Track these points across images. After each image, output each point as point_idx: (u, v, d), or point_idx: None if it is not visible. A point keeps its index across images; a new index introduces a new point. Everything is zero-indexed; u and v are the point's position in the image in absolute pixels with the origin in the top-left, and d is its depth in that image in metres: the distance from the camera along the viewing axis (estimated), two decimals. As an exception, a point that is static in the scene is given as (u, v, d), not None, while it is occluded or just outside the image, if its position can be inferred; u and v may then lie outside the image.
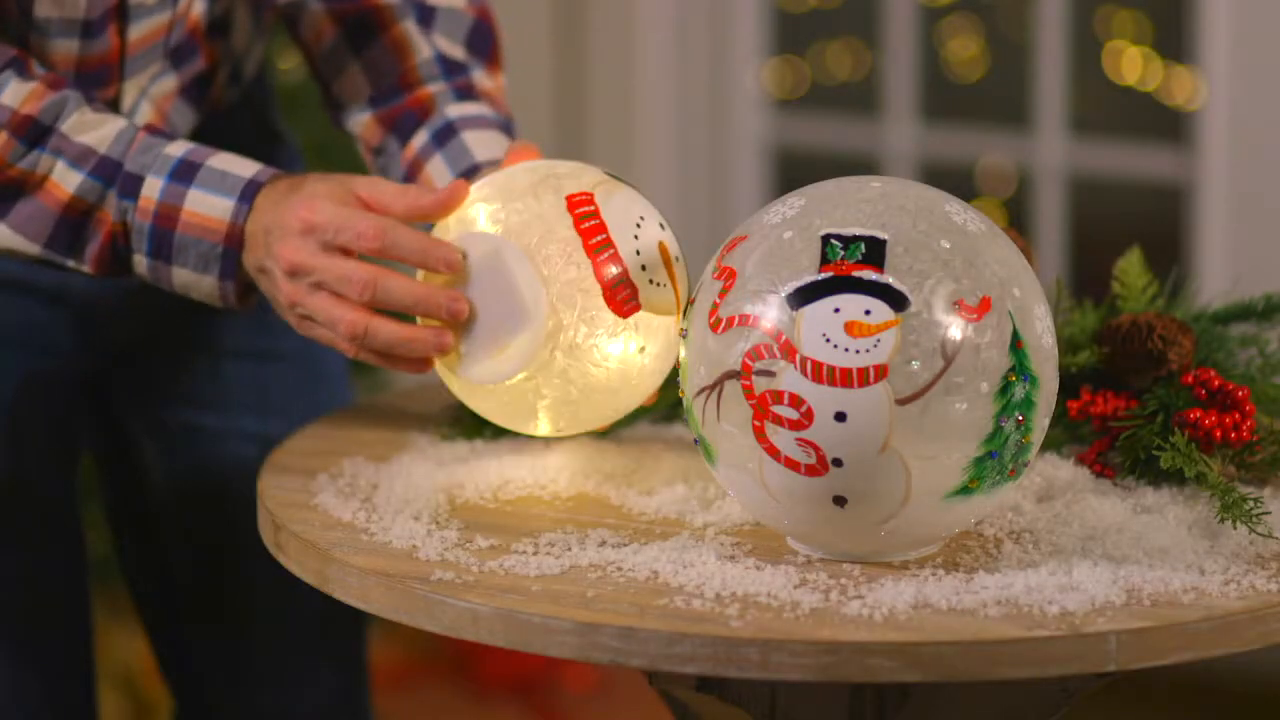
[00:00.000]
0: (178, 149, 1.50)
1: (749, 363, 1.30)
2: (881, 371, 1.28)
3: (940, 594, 1.28)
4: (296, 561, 1.41)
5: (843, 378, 1.28)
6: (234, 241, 1.48)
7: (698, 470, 1.50)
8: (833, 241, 1.31)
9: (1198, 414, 1.46)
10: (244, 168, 1.50)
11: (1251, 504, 1.37)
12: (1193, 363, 1.53)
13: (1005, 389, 1.30)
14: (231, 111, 1.75)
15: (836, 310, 1.29)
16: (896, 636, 1.23)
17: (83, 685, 1.76)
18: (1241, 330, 1.61)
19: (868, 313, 1.29)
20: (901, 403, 1.28)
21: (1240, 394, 1.46)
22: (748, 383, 1.30)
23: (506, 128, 1.65)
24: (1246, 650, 1.28)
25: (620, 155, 3.64)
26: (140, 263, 1.51)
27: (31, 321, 1.66)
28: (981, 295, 1.30)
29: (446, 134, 1.62)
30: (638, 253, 1.43)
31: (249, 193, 1.48)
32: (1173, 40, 3.51)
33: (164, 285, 1.51)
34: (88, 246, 1.51)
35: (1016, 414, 1.30)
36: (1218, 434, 1.45)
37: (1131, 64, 3.61)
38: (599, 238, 1.42)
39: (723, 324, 1.32)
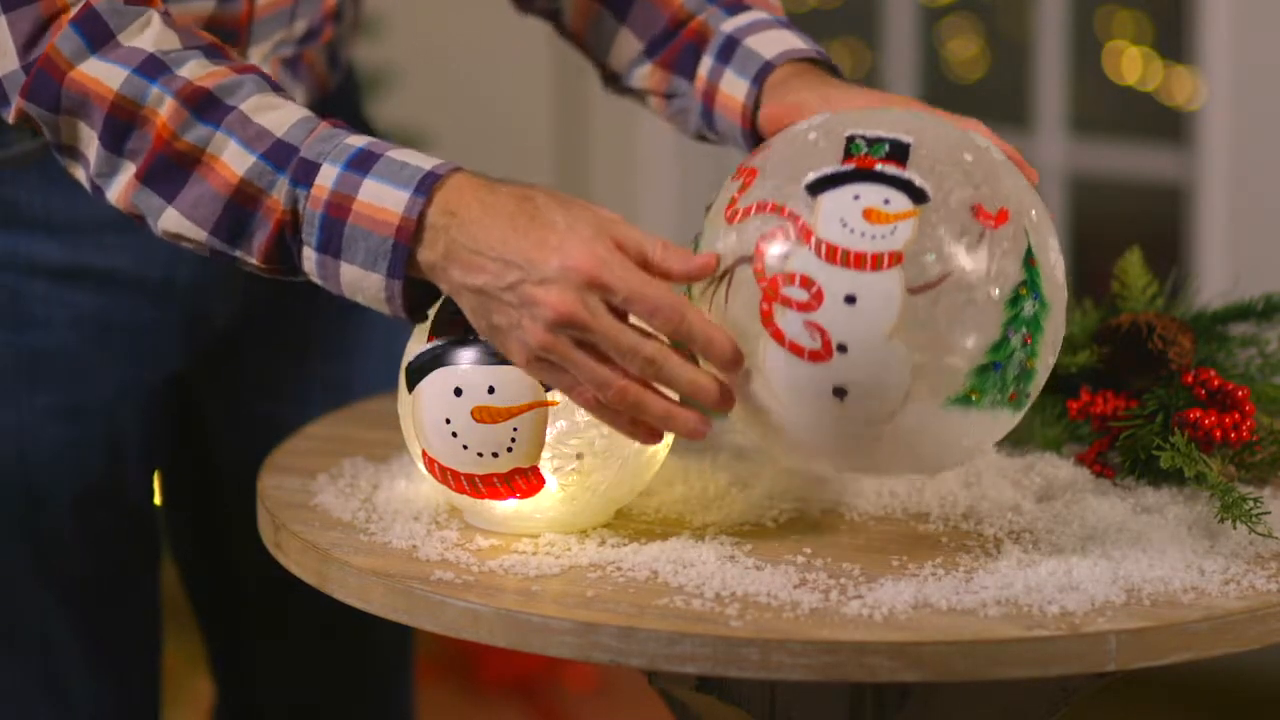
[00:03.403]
0: (359, 140, 1.41)
1: (762, 246, 1.30)
2: (896, 258, 1.28)
3: (940, 594, 1.28)
4: (296, 561, 1.41)
5: (856, 261, 1.28)
6: (405, 236, 1.37)
7: (697, 470, 1.50)
8: (857, 139, 1.31)
9: (1198, 414, 1.46)
10: (424, 161, 1.40)
11: (1251, 504, 1.37)
12: (1193, 363, 1.53)
13: (1016, 300, 1.30)
14: (335, 96, 1.74)
15: (856, 197, 1.29)
16: (896, 636, 1.23)
17: (150, 691, 1.76)
18: (1241, 330, 1.61)
19: (887, 202, 1.29)
20: (913, 291, 1.28)
21: (1240, 394, 1.47)
22: (759, 266, 1.30)
23: (789, 25, 1.58)
24: (1246, 650, 1.28)
25: (622, 157, 3.64)
26: (309, 258, 1.41)
27: (139, 323, 1.65)
28: (1000, 206, 1.30)
29: (729, 48, 1.56)
30: None
31: (425, 185, 1.37)
32: (1173, 40, 3.51)
33: (332, 286, 1.41)
34: (255, 236, 1.42)
35: (1024, 330, 1.30)
36: (1217, 434, 1.46)
37: (1131, 64, 3.61)
38: None
39: (739, 214, 1.32)
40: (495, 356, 1.37)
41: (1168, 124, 3.51)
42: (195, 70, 1.42)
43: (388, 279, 1.38)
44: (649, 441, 1.36)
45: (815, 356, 1.29)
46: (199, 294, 1.69)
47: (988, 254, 1.29)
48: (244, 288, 1.71)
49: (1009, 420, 1.35)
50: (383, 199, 1.37)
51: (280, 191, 1.40)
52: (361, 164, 1.39)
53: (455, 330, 1.38)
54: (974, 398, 1.30)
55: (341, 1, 1.69)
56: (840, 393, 1.29)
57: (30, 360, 1.61)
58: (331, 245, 1.39)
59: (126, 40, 1.43)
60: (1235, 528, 1.37)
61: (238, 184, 1.40)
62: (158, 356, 1.69)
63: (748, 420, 1.36)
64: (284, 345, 1.79)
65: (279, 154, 1.40)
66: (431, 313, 1.40)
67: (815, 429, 1.32)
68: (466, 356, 1.37)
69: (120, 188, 1.44)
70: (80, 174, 1.47)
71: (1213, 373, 1.48)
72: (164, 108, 1.41)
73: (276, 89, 1.44)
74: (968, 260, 1.29)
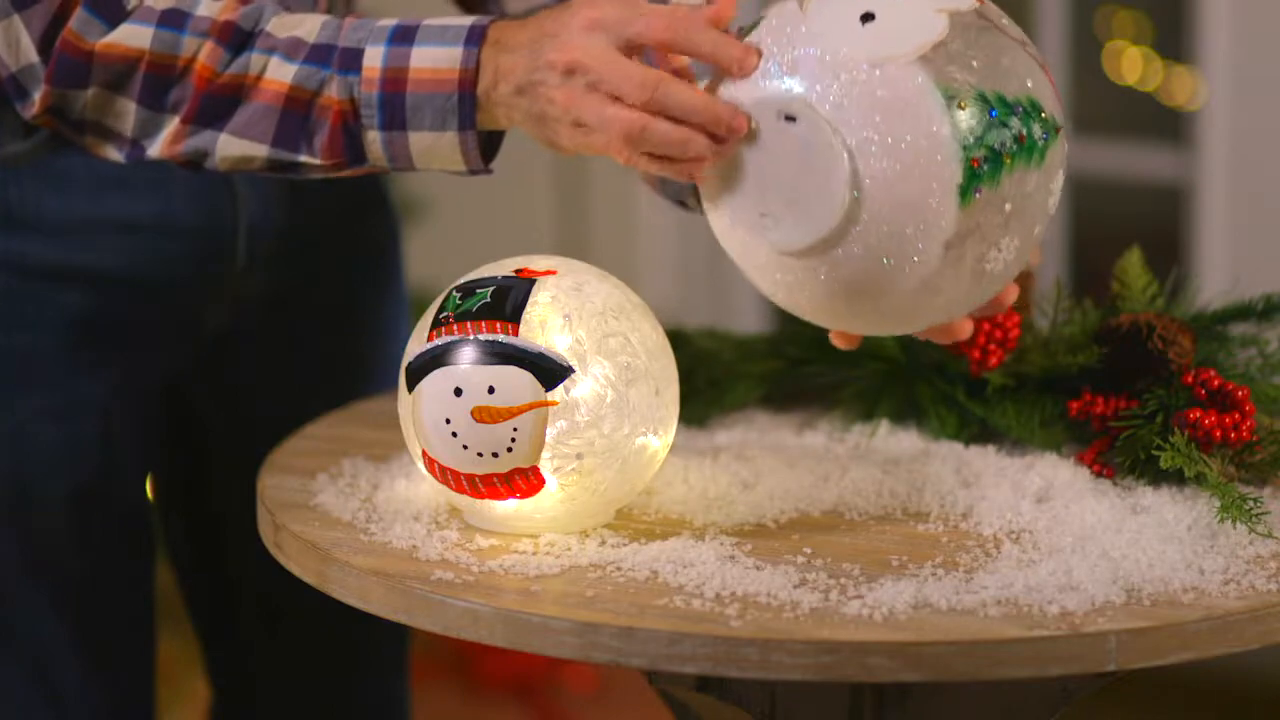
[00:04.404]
0: (390, 20, 1.45)
1: None
2: None
3: (940, 594, 1.28)
4: (296, 561, 1.41)
5: None
6: (468, 86, 1.41)
7: (698, 470, 1.50)
8: None
9: (1198, 414, 1.46)
10: (462, 19, 1.44)
11: (1251, 504, 1.37)
12: (1193, 363, 1.53)
13: (1035, 107, 1.35)
14: None
15: None
16: (896, 636, 1.23)
17: (145, 690, 1.76)
18: (1241, 330, 1.61)
19: None
20: (980, 15, 1.36)
21: (1240, 394, 1.47)
22: None
23: None
24: (1246, 650, 1.28)
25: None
26: (374, 140, 1.44)
27: (131, 324, 1.65)
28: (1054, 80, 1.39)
29: None
30: None
31: (474, 36, 1.42)
32: (1173, 40, 3.52)
33: (402, 162, 1.45)
34: (316, 136, 1.44)
35: (1023, 129, 1.34)
36: (1217, 434, 1.46)
37: (1131, 64, 3.61)
38: None
39: None
40: (495, 357, 1.37)
41: (1168, 124, 3.51)
42: (211, 7, 1.45)
43: (460, 133, 1.42)
44: (684, 176, 1.38)
45: None
46: (191, 295, 1.69)
47: (1039, 73, 1.37)
48: (236, 289, 1.71)
49: (948, 188, 1.33)
50: (437, 60, 1.41)
51: (332, 86, 1.43)
52: (404, 37, 1.42)
53: (455, 330, 1.38)
54: (961, 106, 1.33)
55: (332, 3, 1.69)
56: (868, 18, 1.34)
57: (23, 361, 1.61)
58: (396, 120, 1.42)
59: (135, 4, 1.46)
60: (1235, 528, 1.37)
61: (288, 92, 1.44)
62: (150, 357, 1.69)
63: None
64: (277, 345, 1.79)
65: (319, 54, 1.44)
66: (431, 313, 1.40)
67: (821, 46, 1.35)
68: (466, 356, 1.37)
69: (165, 139, 1.46)
70: (110, 149, 1.49)
71: (1213, 373, 1.48)
72: (201, 52, 1.44)
73: (288, 9, 1.47)
74: (1027, 55, 1.37)
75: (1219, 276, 3.20)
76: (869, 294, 1.37)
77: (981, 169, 1.33)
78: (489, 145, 1.45)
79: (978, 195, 1.33)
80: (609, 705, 3.31)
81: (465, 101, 1.41)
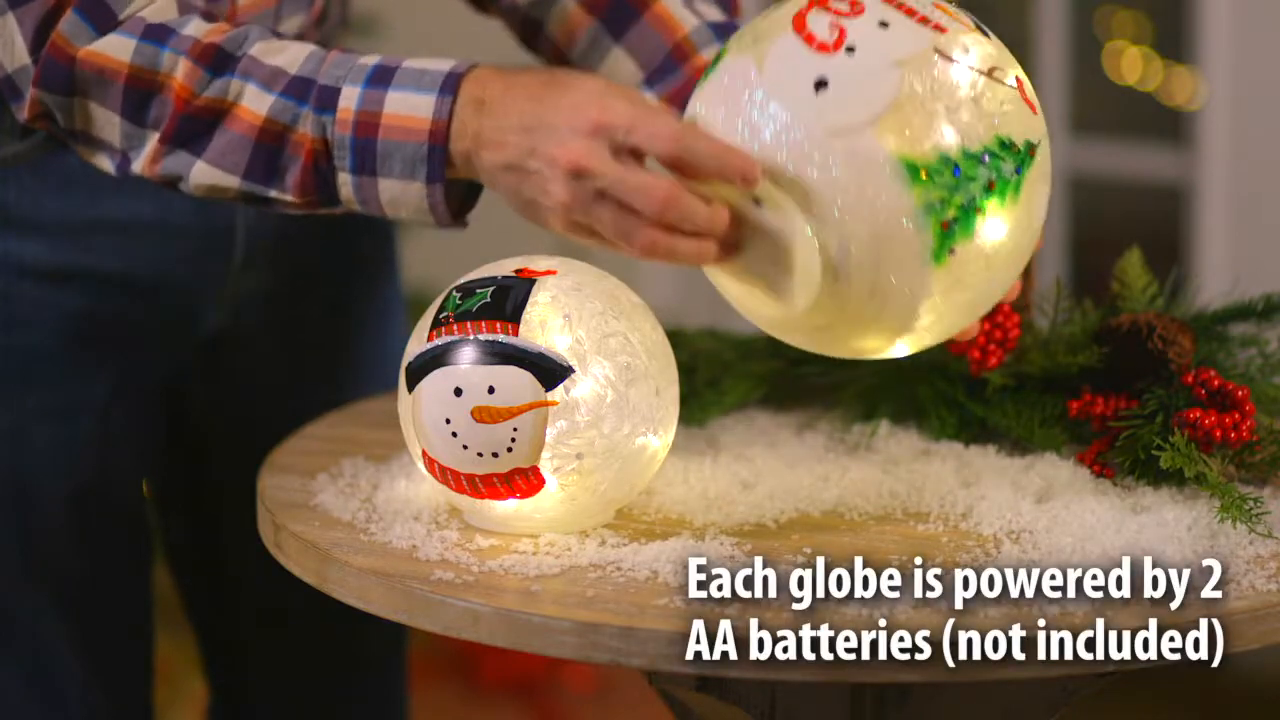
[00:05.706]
0: (373, 57, 1.43)
1: None
2: (940, 28, 1.34)
3: (940, 594, 1.28)
4: (296, 561, 1.41)
5: (907, 10, 1.34)
6: (439, 138, 1.39)
7: (698, 470, 1.50)
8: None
9: (1198, 414, 1.46)
10: (441, 64, 1.42)
11: (1251, 504, 1.37)
12: (1193, 363, 1.53)
13: (1004, 147, 1.33)
14: None
15: None
16: (896, 637, 1.23)
17: (142, 690, 1.76)
18: (1241, 330, 1.61)
19: (953, 5, 1.38)
20: (940, 54, 1.33)
21: (1240, 394, 1.47)
22: None
23: None
24: (1246, 650, 1.28)
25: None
26: (345, 183, 1.42)
27: (129, 324, 1.65)
28: (1035, 108, 1.37)
29: None
30: None
31: (450, 84, 1.39)
32: (1173, 40, 3.52)
33: (372, 207, 1.43)
34: (288, 173, 1.43)
35: (993, 175, 1.33)
36: (1217, 434, 1.46)
37: (1131, 64, 3.61)
38: None
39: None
40: (495, 357, 1.37)
41: (1168, 124, 3.51)
42: (199, 28, 1.44)
43: (428, 185, 1.40)
44: (693, 263, 1.37)
45: (822, 48, 1.32)
46: (189, 295, 1.69)
47: (1009, 97, 1.34)
48: (234, 289, 1.71)
49: (921, 256, 1.33)
50: (410, 107, 1.40)
51: (306, 123, 1.42)
52: (381, 79, 1.41)
53: (455, 330, 1.38)
54: (921, 176, 1.31)
55: (328, 4, 1.69)
56: (821, 85, 1.32)
57: (21, 361, 1.61)
58: (366, 164, 1.41)
59: (127, 15, 1.45)
60: (1235, 528, 1.37)
61: (262, 124, 1.42)
62: (148, 357, 1.69)
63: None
64: (275, 345, 1.79)
65: (298, 88, 1.42)
66: (431, 312, 1.40)
67: (776, 119, 1.33)
68: (466, 356, 1.37)
69: (146, 157, 1.46)
70: (102, 159, 1.48)
71: (1213, 373, 1.48)
72: (179, 70, 1.43)
73: (277, 35, 1.46)
74: (993, 85, 1.34)
75: (1219, 276, 3.20)
76: (858, 343, 1.39)
77: (952, 229, 1.32)
78: (468, 197, 1.44)
79: (952, 254, 1.33)
80: (609, 705, 3.31)
81: (435, 153, 1.39)
